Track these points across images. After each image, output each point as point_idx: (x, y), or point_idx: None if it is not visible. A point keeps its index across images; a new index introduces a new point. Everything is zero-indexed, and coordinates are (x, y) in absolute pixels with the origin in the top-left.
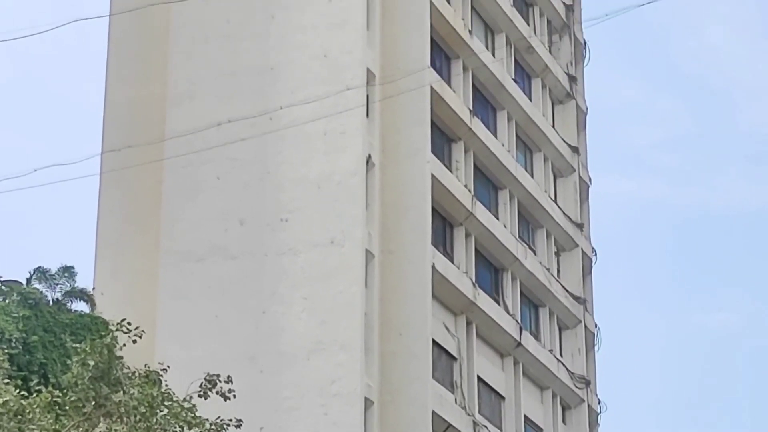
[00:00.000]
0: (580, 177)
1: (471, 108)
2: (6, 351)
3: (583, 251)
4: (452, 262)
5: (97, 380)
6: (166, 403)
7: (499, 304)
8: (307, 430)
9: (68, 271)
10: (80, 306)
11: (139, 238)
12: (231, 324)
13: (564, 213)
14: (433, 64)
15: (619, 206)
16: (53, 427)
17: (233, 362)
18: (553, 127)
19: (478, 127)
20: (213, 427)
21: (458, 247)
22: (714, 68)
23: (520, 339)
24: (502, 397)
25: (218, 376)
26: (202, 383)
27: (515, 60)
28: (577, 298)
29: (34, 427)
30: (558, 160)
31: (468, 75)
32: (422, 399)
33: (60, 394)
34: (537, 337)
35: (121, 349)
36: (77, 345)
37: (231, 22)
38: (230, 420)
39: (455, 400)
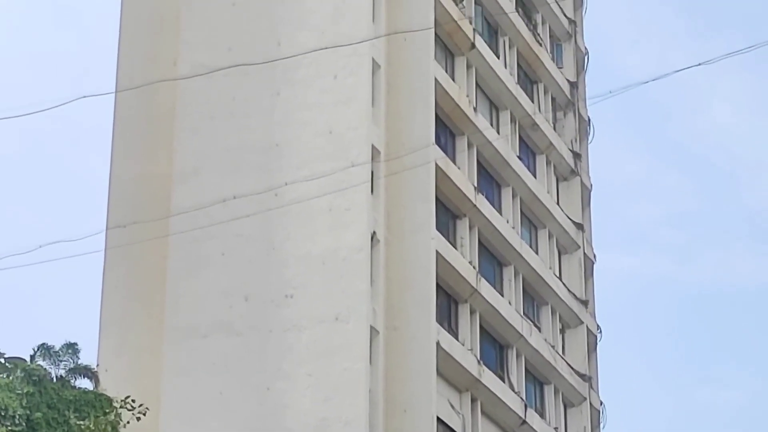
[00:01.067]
0: (584, 254)
1: (476, 184)
2: (9, 428)
3: (588, 328)
4: (457, 339)
5: None
6: None
7: (504, 381)
8: None
9: (72, 348)
10: (84, 383)
11: (144, 314)
12: (235, 401)
13: (569, 290)
14: (437, 141)
15: (624, 283)
16: None
17: None
18: (558, 203)
19: (482, 203)
20: None
21: (463, 324)
22: (719, 145)
23: (525, 416)
24: None
25: None
26: None
27: (520, 137)
28: (582, 376)
29: None
30: (563, 236)
31: (473, 151)
32: None
33: None
34: (542, 414)
35: (125, 426)
36: (81, 422)
37: (236, 99)
38: None
39: None
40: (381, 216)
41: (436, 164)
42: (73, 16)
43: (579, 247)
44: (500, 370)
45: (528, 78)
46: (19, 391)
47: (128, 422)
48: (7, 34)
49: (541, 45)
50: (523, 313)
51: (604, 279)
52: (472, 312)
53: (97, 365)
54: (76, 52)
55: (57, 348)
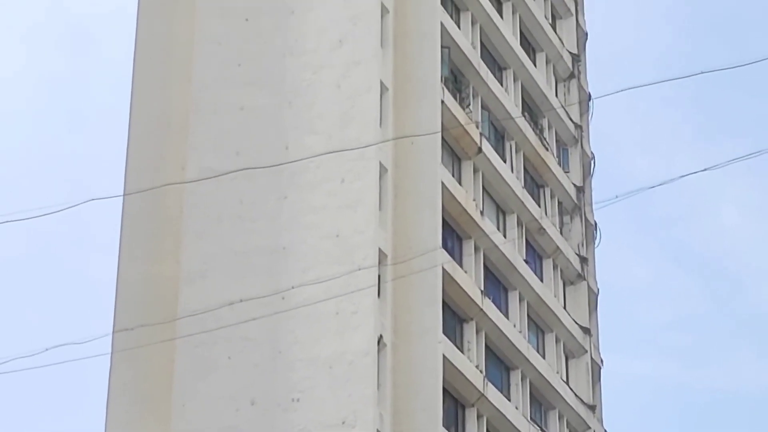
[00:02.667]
0: (592, 358)
1: (482, 288)
2: None
3: None
4: None
5: None
6: None
7: None
8: None
9: None
10: None
11: (150, 417)
12: None
13: (576, 395)
14: (444, 245)
15: (632, 387)
16: None
17: None
18: (565, 308)
19: (489, 307)
20: None
21: (470, 429)
22: (725, 249)
23: None
24: None
25: None
26: None
27: (526, 241)
28: None
29: None
30: (570, 341)
31: (479, 255)
32: None
33: None
34: None
35: None
36: None
37: (244, 203)
38: None
39: None
40: (388, 320)
41: (443, 268)
42: (83, 119)
43: (586, 351)
44: None
45: (535, 182)
46: None
47: None
48: (18, 136)
49: (547, 149)
50: (531, 418)
51: (611, 383)
52: (479, 416)
53: None
54: (85, 154)
55: None
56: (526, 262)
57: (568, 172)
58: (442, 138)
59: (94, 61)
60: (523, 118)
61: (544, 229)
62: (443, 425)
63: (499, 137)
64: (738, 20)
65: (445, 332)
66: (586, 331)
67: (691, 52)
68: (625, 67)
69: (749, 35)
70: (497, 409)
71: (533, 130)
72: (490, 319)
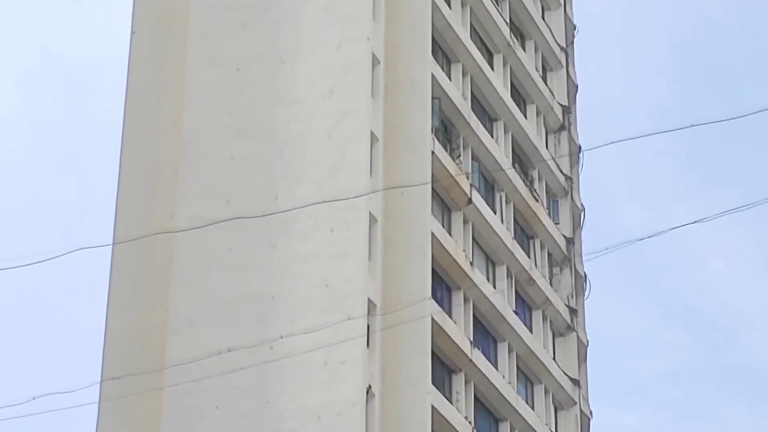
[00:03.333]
0: (581, 410)
1: (472, 339)
2: None
3: None
4: None
5: None
6: None
7: None
8: None
9: None
10: None
11: None
12: None
13: None
14: (434, 295)
15: None
16: None
17: None
18: (554, 359)
19: (478, 358)
20: None
21: None
22: (716, 300)
23: None
24: None
25: None
26: None
27: (516, 292)
28: None
29: None
30: (559, 392)
31: (469, 306)
32: None
33: None
34: None
35: None
36: None
37: (233, 251)
38: None
39: None
40: (377, 370)
41: (433, 318)
42: (74, 165)
43: (575, 402)
44: None
45: (524, 233)
46: None
47: None
48: (8, 181)
49: (537, 201)
50: None
51: None
52: None
53: None
54: (75, 200)
55: None
56: (516, 312)
57: (558, 223)
58: (433, 188)
59: (85, 107)
60: (513, 169)
61: (533, 280)
62: None
63: (489, 188)
64: (729, 72)
65: (434, 383)
66: (575, 382)
67: (683, 103)
68: (615, 119)
69: (741, 87)
70: None
71: (523, 181)
72: (480, 369)
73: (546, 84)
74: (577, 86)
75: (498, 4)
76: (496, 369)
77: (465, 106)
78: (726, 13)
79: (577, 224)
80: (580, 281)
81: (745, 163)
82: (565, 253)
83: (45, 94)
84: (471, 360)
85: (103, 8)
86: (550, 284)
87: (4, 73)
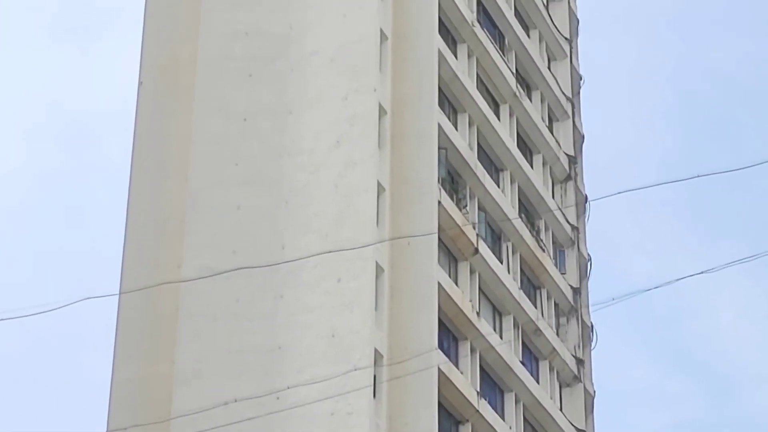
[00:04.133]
0: None
1: (478, 390)
2: None
3: None
4: None
5: None
6: None
7: None
8: None
9: None
10: None
11: None
12: None
13: None
14: (440, 345)
15: None
16: None
17: None
18: (561, 410)
19: (485, 409)
20: None
21: None
22: (722, 352)
23: None
24: None
25: None
26: None
27: (523, 342)
28: None
29: None
30: None
31: (475, 356)
32: None
33: None
34: None
35: None
36: None
37: (240, 302)
38: None
39: None
40: (383, 421)
41: (439, 369)
42: (81, 216)
43: None
44: None
45: (531, 284)
46: None
47: None
48: (16, 232)
49: (544, 251)
50: None
51: None
52: None
53: None
54: (82, 251)
55: None
56: (523, 363)
57: (564, 273)
58: (439, 238)
59: (92, 159)
60: (519, 219)
61: (540, 331)
62: None
63: (495, 238)
64: (735, 122)
65: None
66: None
67: (689, 154)
68: (622, 169)
69: (747, 137)
70: None
71: (530, 231)
72: (486, 420)
73: (552, 134)
74: (583, 136)
75: (504, 55)
76: (503, 420)
77: (471, 156)
78: (732, 65)
79: (583, 274)
80: (586, 332)
81: (751, 214)
82: (572, 303)
83: (52, 147)
84: (478, 411)
85: (110, 60)
86: (557, 335)
87: (12, 127)
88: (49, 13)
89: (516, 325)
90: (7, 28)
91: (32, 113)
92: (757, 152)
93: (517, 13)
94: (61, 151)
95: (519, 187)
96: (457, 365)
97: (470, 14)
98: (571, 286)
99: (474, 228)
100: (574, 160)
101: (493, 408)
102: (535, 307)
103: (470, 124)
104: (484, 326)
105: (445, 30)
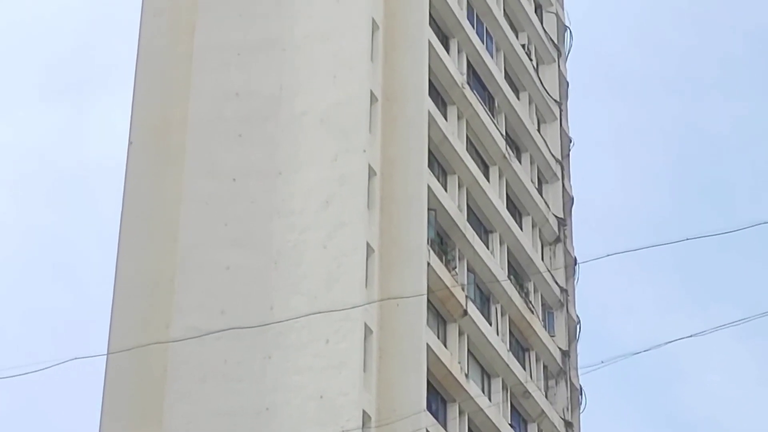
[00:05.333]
0: None
1: None
2: None
3: None
4: None
5: None
6: None
7: None
8: None
9: None
10: None
11: None
12: None
13: None
14: (429, 407)
15: None
16: None
17: None
18: None
19: None
20: None
21: None
22: (711, 415)
23: None
24: None
25: None
26: None
27: (511, 404)
28: None
29: None
30: None
31: (464, 418)
32: None
33: None
34: None
35: None
36: None
37: (228, 363)
38: None
39: None
40: None
41: (427, 431)
42: (70, 273)
43: None
44: None
45: (520, 346)
46: None
47: None
48: (3, 287)
49: (533, 313)
50: None
51: None
52: None
53: None
54: (70, 309)
55: None
56: (511, 425)
57: (553, 335)
58: (428, 300)
59: (82, 216)
60: (509, 281)
61: (529, 393)
62: None
63: (484, 300)
64: (725, 184)
65: None
66: None
67: (679, 215)
68: (611, 231)
69: (736, 199)
70: None
71: (519, 293)
72: None
73: (542, 196)
74: (572, 198)
75: (494, 117)
76: None
77: (461, 218)
78: (723, 126)
79: (572, 337)
80: (575, 394)
81: (741, 277)
82: (561, 365)
83: (42, 202)
84: None
85: (102, 117)
86: (546, 397)
87: (1, 182)
88: (42, 70)
89: (505, 387)
90: (1, 85)
91: (23, 169)
92: (747, 214)
93: (506, 76)
94: (51, 207)
95: (508, 248)
96: (445, 427)
97: (460, 76)
98: (560, 349)
99: (463, 289)
100: (563, 222)
101: None
102: (524, 369)
103: (460, 186)
104: (473, 388)
105: (435, 92)
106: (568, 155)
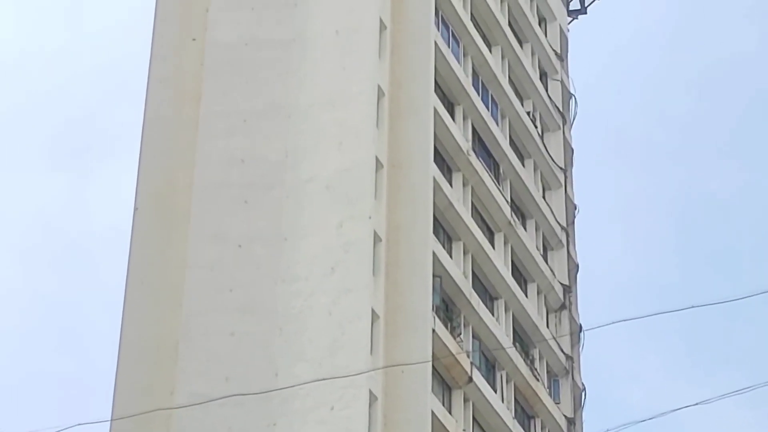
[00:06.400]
0: None
1: None
2: None
3: None
4: None
5: None
6: None
7: None
8: None
9: None
10: None
11: None
12: None
13: None
14: None
15: None
16: None
17: None
18: None
19: None
20: None
21: None
22: None
23: None
24: None
25: None
26: None
27: None
28: None
29: None
30: None
31: None
32: None
33: None
34: None
35: None
36: None
37: (233, 429)
38: None
39: None
40: None
41: None
42: (75, 339)
43: None
44: None
45: (525, 413)
46: None
47: None
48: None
49: (538, 380)
50: None
51: None
52: None
53: None
54: (74, 374)
55: None
56: None
57: (558, 403)
58: (433, 367)
59: (87, 282)
60: (514, 348)
61: None
62: None
63: (490, 367)
64: (731, 250)
65: None
66: None
67: (686, 282)
68: (617, 298)
69: (742, 265)
70: None
71: (524, 360)
72: None
73: (547, 263)
74: (577, 265)
75: (499, 183)
76: None
77: (466, 285)
78: (730, 193)
79: (578, 404)
80: None
81: (748, 344)
82: None
83: (48, 268)
84: None
85: (108, 183)
86: None
87: (8, 248)
88: (49, 137)
89: None
90: (8, 151)
91: (28, 235)
92: (754, 280)
93: (512, 143)
94: (56, 273)
95: (513, 315)
96: None
97: (465, 143)
98: (566, 416)
99: (468, 356)
100: (568, 289)
101: None
102: None
103: (465, 252)
104: None
105: (440, 158)
106: (573, 222)
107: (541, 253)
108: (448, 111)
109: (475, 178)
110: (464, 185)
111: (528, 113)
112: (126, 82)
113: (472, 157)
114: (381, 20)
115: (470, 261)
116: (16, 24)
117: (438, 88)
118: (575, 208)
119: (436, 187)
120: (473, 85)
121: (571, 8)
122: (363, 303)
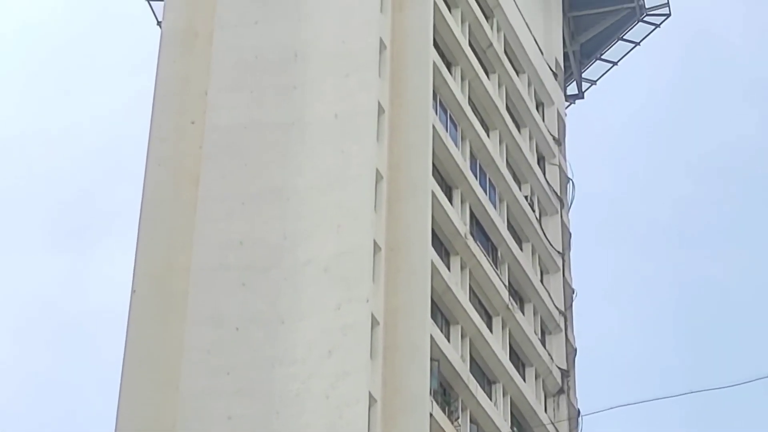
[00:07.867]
0: None
1: None
2: None
3: None
4: None
5: None
6: None
7: None
8: None
9: None
10: None
11: None
12: None
13: None
14: None
15: None
16: None
17: None
18: None
19: None
20: None
21: None
22: None
23: None
24: None
25: None
26: None
27: None
28: None
29: None
30: None
31: None
32: None
33: None
34: None
35: None
36: None
37: None
38: None
39: None
40: None
41: None
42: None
43: None
44: None
45: None
46: None
47: None
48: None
49: None
50: None
51: None
52: None
53: None
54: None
55: None
56: None
57: None
58: None
59: (83, 362)
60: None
61: None
62: None
63: None
64: (730, 332)
65: None
66: None
67: (686, 366)
68: (616, 382)
69: (741, 347)
70: None
71: None
72: None
73: (545, 347)
74: (575, 350)
75: (497, 267)
76: None
77: (464, 369)
78: (725, 273)
79: None
80: None
81: (746, 428)
82: None
83: (44, 348)
84: None
85: (106, 263)
86: None
87: (4, 325)
88: (47, 217)
89: None
90: (7, 229)
91: (25, 314)
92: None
93: (510, 226)
94: (52, 354)
95: (511, 400)
96: None
97: (463, 227)
98: None
99: None
100: (566, 373)
101: None
102: None
103: (463, 336)
104: None
105: (438, 242)
106: (572, 306)
107: (539, 337)
108: (446, 194)
109: (473, 261)
110: (462, 269)
111: (526, 197)
112: (125, 164)
113: (470, 241)
114: (379, 104)
115: (468, 345)
116: (18, 104)
117: (436, 172)
118: (573, 292)
119: (434, 270)
120: (471, 168)
121: (568, 93)
122: (360, 386)
